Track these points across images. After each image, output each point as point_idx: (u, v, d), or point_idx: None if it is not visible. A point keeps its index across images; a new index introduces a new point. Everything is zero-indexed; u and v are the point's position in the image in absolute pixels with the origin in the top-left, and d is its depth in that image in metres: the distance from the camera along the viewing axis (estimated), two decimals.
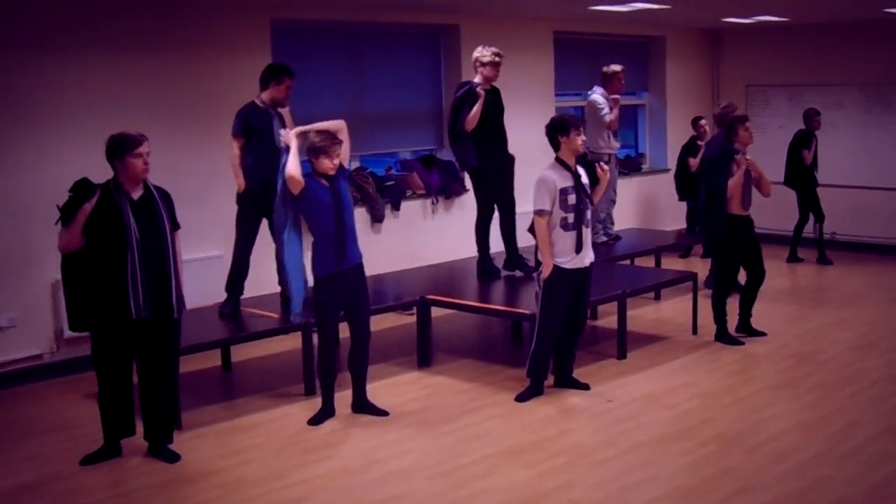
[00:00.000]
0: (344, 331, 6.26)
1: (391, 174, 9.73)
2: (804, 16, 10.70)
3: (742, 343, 7.52)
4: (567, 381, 6.56)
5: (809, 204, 10.60)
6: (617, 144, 9.46)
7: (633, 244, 9.65)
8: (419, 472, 5.23)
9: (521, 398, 6.34)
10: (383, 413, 6.10)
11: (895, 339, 7.72)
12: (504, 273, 7.85)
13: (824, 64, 11.63)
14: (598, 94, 9.16)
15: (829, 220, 10.71)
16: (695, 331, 7.86)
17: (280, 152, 5.96)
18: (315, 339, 6.47)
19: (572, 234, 6.13)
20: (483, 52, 7.42)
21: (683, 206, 11.10)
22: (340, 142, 5.82)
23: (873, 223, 11.38)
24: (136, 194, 5.20)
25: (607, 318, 8.00)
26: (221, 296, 6.96)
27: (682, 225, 11.18)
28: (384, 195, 9.11)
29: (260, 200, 6.51)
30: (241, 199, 6.67)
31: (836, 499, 4.78)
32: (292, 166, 5.74)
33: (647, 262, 9.35)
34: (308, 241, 5.94)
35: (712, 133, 11.12)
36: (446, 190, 9.54)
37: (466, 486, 5.03)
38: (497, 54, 7.41)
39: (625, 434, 5.72)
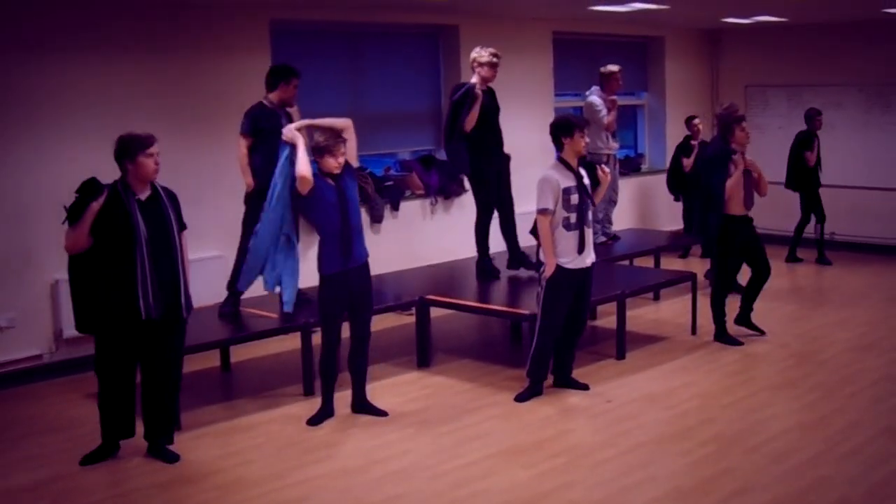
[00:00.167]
0: (343, 330, 6.26)
1: (390, 174, 9.73)
2: (803, 16, 10.70)
3: (741, 343, 7.53)
4: (566, 382, 6.56)
5: (812, 204, 10.61)
6: (616, 145, 9.47)
7: (633, 244, 9.66)
8: (419, 473, 5.23)
9: (520, 398, 6.34)
10: (383, 413, 6.11)
11: (894, 339, 7.73)
12: (508, 272, 7.85)
13: (823, 64, 11.63)
14: (595, 96, 9.19)
15: (828, 221, 10.71)
16: (694, 331, 7.87)
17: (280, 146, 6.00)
18: (314, 339, 6.48)
19: (574, 234, 6.13)
20: (481, 53, 7.42)
21: (682, 206, 11.11)
22: (344, 140, 5.79)
23: (872, 223, 11.38)
24: (144, 194, 5.20)
25: (606, 318, 8.00)
26: (221, 296, 6.97)
27: (681, 225, 11.18)
28: (383, 195, 9.11)
29: None
30: (250, 198, 6.68)
31: (836, 499, 4.78)
32: (304, 166, 5.69)
33: (647, 262, 9.36)
34: (313, 240, 5.98)
35: (705, 132, 11.15)
36: (445, 190, 9.54)
37: (466, 486, 5.03)
38: (495, 55, 7.42)
39: (624, 434, 5.73)
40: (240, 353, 7.39)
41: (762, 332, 7.71)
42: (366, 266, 5.97)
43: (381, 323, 7.65)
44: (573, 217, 6.12)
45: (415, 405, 6.34)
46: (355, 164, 5.98)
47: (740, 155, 7.33)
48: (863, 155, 11.40)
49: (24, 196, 6.91)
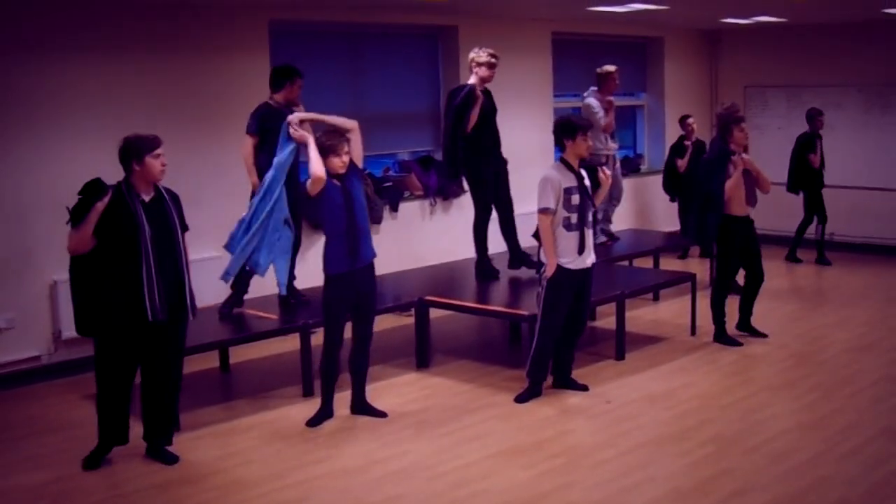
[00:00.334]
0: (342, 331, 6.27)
1: (389, 175, 9.73)
2: (803, 16, 10.71)
3: (741, 344, 7.53)
4: (566, 382, 6.56)
5: (814, 204, 10.60)
6: (615, 146, 9.47)
7: (632, 245, 9.66)
8: (418, 473, 5.23)
9: (520, 399, 6.34)
10: (382, 414, 6.10)
11: (894, 339, 7.73)
12: (508, 272, 7.85)
13: (823, 65, 11.64)
14: (592, 98, 9.21)
15: (828, 221, 10.71)
16: (693, 332, 7.86)
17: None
18: (314, 340, 6.48)
19: (575, 235, 6.13)
20: (479, 53, 7.44)
21: (678, 207, 11.12)
22: (347, 138, 5.76)
23: (872, 224, 11.39)
24: (148, 196, 5.20)
25: (606, 318, 8.00)
26: (219, 297, 6.97)
27: (678, 226, 11.20)
28: (382, 196, 9.11)
29: None
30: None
31: (835, 499, 4.78)
32: (319, 167, 5.64)
33: (646, 262, 9.36)
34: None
35: (703, 133, 11.15)
36: (444, 191, 9.54)
37: (465, 486, 5.03)
38: (493, 55, 7.43)
39: (623, 435, 5.73)
40: (239, 354, 7.39)
41: (764, 336, 7.71)
42: (372, 266, 5.96)
43: (380, 324, 7.61)
44: (574, 217, 6.12)
45: (414, 406, 6.33)
46: (361, 165, 5.96)
47: (738, 155, 7.33)
48: (862, 155, 11.40)
49: (24, 196, 6.90)
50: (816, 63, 11.69)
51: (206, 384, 6.95)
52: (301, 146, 5.90)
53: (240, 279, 6.83)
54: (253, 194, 6.70)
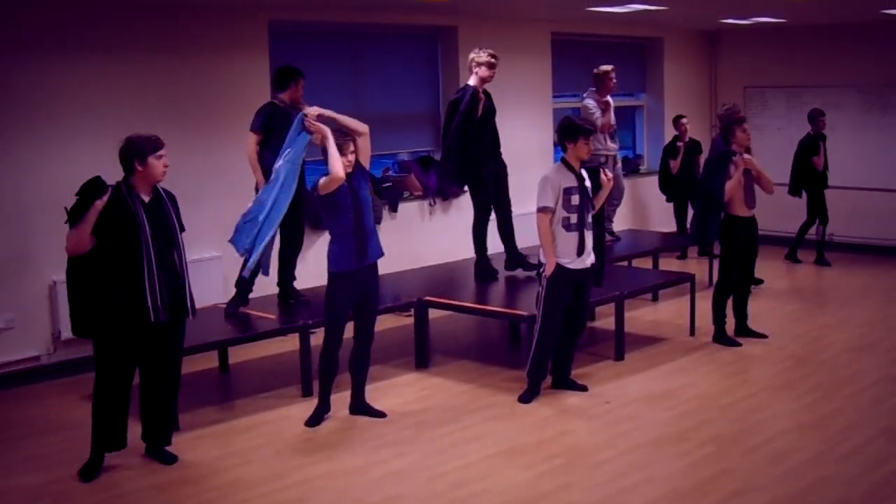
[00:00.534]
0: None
1: (389, 175, 9.73)
2: (802, 17, 10.71)
3: (740, 344, 7.53)
4: (565, 383, 6.56)
5: (816, 205, 10.59)
6: (614, 146, 9.48)
7: (631, 245, 9.66)
8: (418, 473, 5.23)
9: (523, 399, 6.33)
10: (381, 415, 6.10)
11: (893, 339, 7.73)
12: (506, 273, 7.86)
13: (823, 65, 11.64)
14: (589, 100, 9.26)
15: (828, 222, 10.71)
16: (692, 332, 7.86)
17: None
18: (313, 340, 6.48)
19: (574, 235, 6.13)
20: (479, 54, 7.45)
21: (673, 207, 11.13)
22: (353, 138, 5.74)
23: (871, 224, 11.38)
24: (147, 196, 5.19)
25: (605, 319, 8.00)
26: (218, 297, 6.97)
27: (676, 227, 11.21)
28: (382, 196, 9.10)
29: None
30: None
31: (835, 499, 4.78)
32: (339, 166, 5.57)
33: (645, 263, 9.36)
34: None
35: (703, 133, 11.15)
36: (444, 191, 9.54)
37: (465, 486, 5.03)
38: (493, 55, 7.44)
39: (623, 435, 5.73)
40: (238, 354, 7.38)
41: (764, 336, 7.70)
42: (376, 265, 5.96)
43: (379, 324, 7.57)
44: (573, 217, 6.12)
45: (413, 406, 6.33)
46: (367, 166, 5.95)
47: (739, 156, 7.33)
48: (862, 156, 11.40)
49: (24, 196, 6.90)
50: (816, 63, 11.70)
51: (206, 384, 6.95)
52: (316, 141, 5.81)
53: (243, 278, 6.82)
54: (257, 190, 6.70)
